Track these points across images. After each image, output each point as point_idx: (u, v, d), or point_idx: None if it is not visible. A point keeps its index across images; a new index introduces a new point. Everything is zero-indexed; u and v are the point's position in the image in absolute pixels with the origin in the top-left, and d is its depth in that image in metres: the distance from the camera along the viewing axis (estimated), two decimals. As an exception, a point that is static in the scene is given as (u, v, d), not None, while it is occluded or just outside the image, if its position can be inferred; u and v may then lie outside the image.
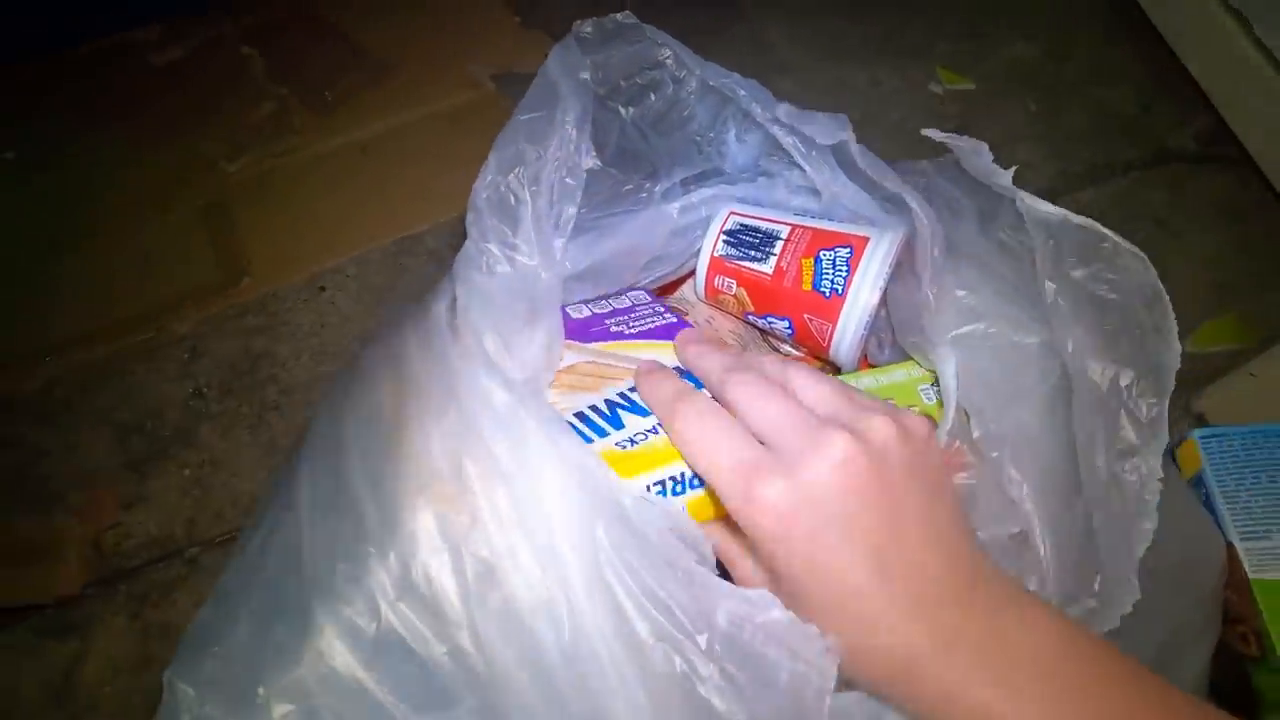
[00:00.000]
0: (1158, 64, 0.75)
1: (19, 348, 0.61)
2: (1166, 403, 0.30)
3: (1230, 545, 0.37)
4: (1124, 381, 0.30)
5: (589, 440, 0.29)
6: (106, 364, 0.60)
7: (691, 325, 0.40)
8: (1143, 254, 0.31)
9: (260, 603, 0.24)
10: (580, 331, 0.38)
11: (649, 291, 0.44)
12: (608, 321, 0.39)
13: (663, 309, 0.41)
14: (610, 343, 0.37)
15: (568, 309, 0.39)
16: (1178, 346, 0.30)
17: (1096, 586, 0.28)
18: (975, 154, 0.33)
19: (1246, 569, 0.37)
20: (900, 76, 0.77)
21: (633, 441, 0.30)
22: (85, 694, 0.48)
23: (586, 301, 0.41)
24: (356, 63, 0.78)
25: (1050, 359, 0.33)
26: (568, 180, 0.30)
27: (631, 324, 0.39)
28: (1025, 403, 0.32)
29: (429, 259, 0.66)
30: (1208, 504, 0.39)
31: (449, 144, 0.73)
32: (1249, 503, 0.38)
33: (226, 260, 0.66)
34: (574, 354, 0.35)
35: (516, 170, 0.30)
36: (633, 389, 0.33)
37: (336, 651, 0.22)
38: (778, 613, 0.22)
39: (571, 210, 0.31)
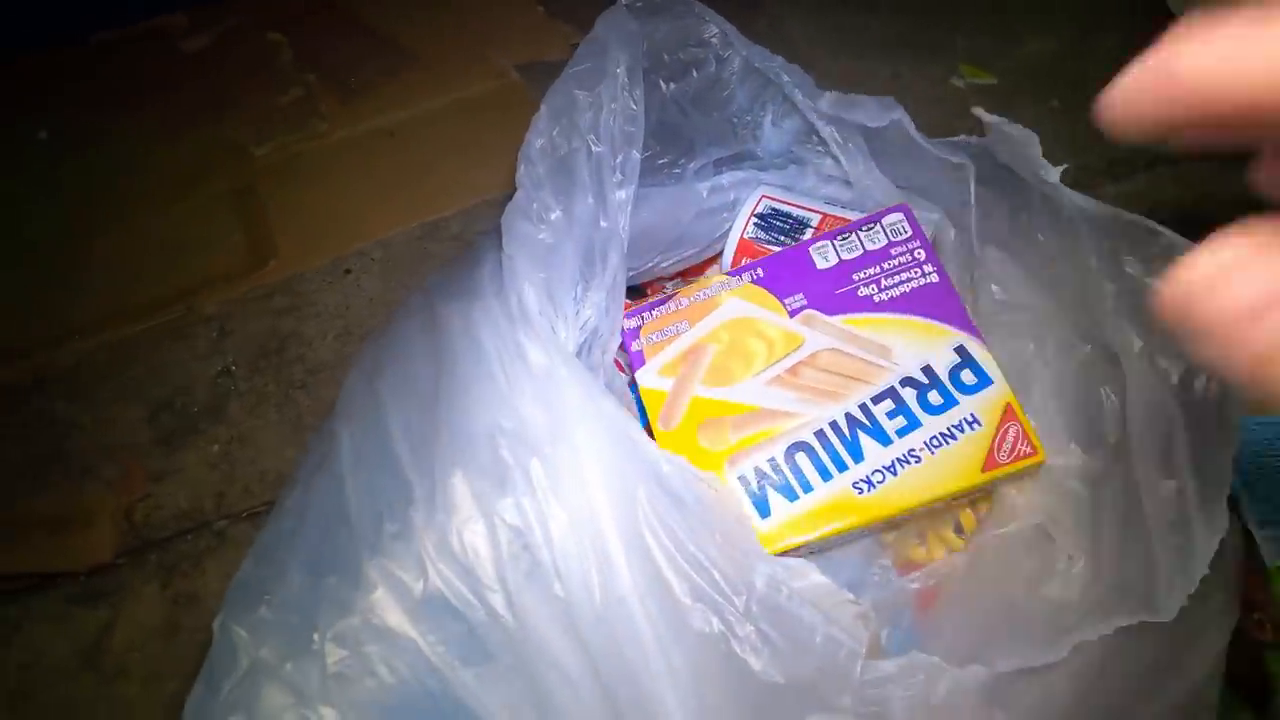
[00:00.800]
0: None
1: (52, 326, 0.62)
2: (1238, 401, 0.29)
3: (1248, 533, 0.38)
4: (1196, 378, 0.28)
5: (827, 478, 0.29)
6: (136, 342, 0.61)
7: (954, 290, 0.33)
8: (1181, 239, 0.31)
9: (310, 555, 0.25)
10: (825, 293, 0.32)
11: (908, 215, 0.37)
12: (856, 276, 0.33)
13: (921, 250, 0.34)
14: (860, 316, 0.32)
15: (810, 248, 0.35)
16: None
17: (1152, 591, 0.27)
18: (1025, 144, 0.33)
19: (1265, 557, 0.37)
20: (921, 71, 0.77)
21: (870, 483, 0.30)
22: (114, 660, 0.49)
23: (832, 237, 0.35)
24: (382, 51, 0.79)
25: (1081, 347, 0.33)
26: (627, 127, 0.31)
27: (885, 281, 0.33)
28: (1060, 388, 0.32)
29: (454, 244, 0.67)
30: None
31: (474, 132, 0.74)
32: (1267, 491, 0.38)
33: (254, 242, 0.67)
34: (819, 334, 0.31)
35: (570, 117, 0.31)
36: (877, 397, 0.30)
37: (387, 605, 0.23)
38: (815, 577, 0.23)
39: (636, 155, 0.32)
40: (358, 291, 0.64)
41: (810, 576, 0.22)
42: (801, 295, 0.32)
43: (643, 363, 0.32)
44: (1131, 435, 0.30)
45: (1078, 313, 0.33)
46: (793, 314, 0.32)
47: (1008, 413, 0.31)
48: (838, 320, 0.32)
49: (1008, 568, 0.30)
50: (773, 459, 0.31)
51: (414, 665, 0.23)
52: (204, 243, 0.67)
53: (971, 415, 0.31)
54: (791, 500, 0.30)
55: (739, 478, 0.31)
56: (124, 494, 0.55)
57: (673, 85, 0.41)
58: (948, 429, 0.31)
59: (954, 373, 0.31)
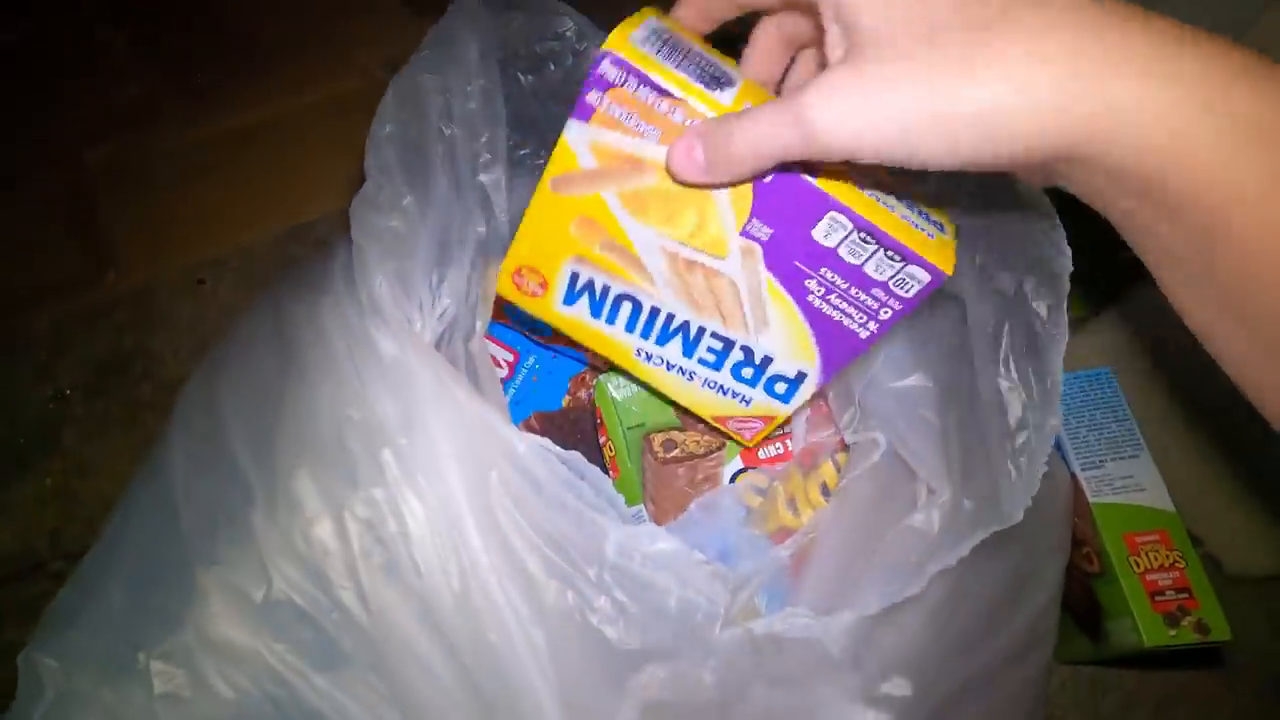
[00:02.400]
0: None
1: None
2: (1064, 304, 0.31)
3: (1073, 475, 0.42)
4: (1027, 287, 0.30)
5: None
6: (-53, 368, 0.54)
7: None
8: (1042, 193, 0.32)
9: (133, 572, 0.22)
10: (787, 253, 0.28)
11: None
12: (823, 272, 0.29)
13: (891, 311, 0.30)
14: (784, 292, 0.29)
15: (829, 214, 0.27)
16: (1069, 254, 0.30)
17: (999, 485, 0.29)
18: None
19: (1088, 495, 0.41)
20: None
21: (647, 356, 0.32)
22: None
23: (860, 229, 0.27)
24: (232, 48, 0.74)
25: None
26: (485, 108, 0.31)
27: (834, 299, 0.30)
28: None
29: (319, 248, 0.64)
30: (1054, 441, 0.43)
31: (338, 132, 0.70)
32: (1087, 437, 0.43)
33: (90, 253, 0.61)
34: (738, 267, 0.29)
35: (418, 102, 0.30)
36: (718, 335, 0.31)
37: (224, 615, 0.21)
38: (665, 542, 0.23)
39: (501, 133, 0.31)
40: (213, 302, 0.60)
41: (661, 541, 0.23)
42: (769, 231, 0.28)
43: (585, 116, 0.27)
44: (973, 351, 0.32)
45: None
46: (744, 233, 0.28)
47: (769, 423, 0.36)
48: (765, 275, 0.29)
49: (871, 510, 0.32)
50: (607, 286, 0.31)
51: (256, 677, 0.21)
52: (31, 256, 0.60)
53: (745, 398, 0.34)
54: (593, 318, 0.32)
55: (571, 272, 0.31)
56: (-65, 541, 0.49)
57: (530, 78, 0.41)
58: (728, 389, 0.34)
59: (774, 379, 0.33)
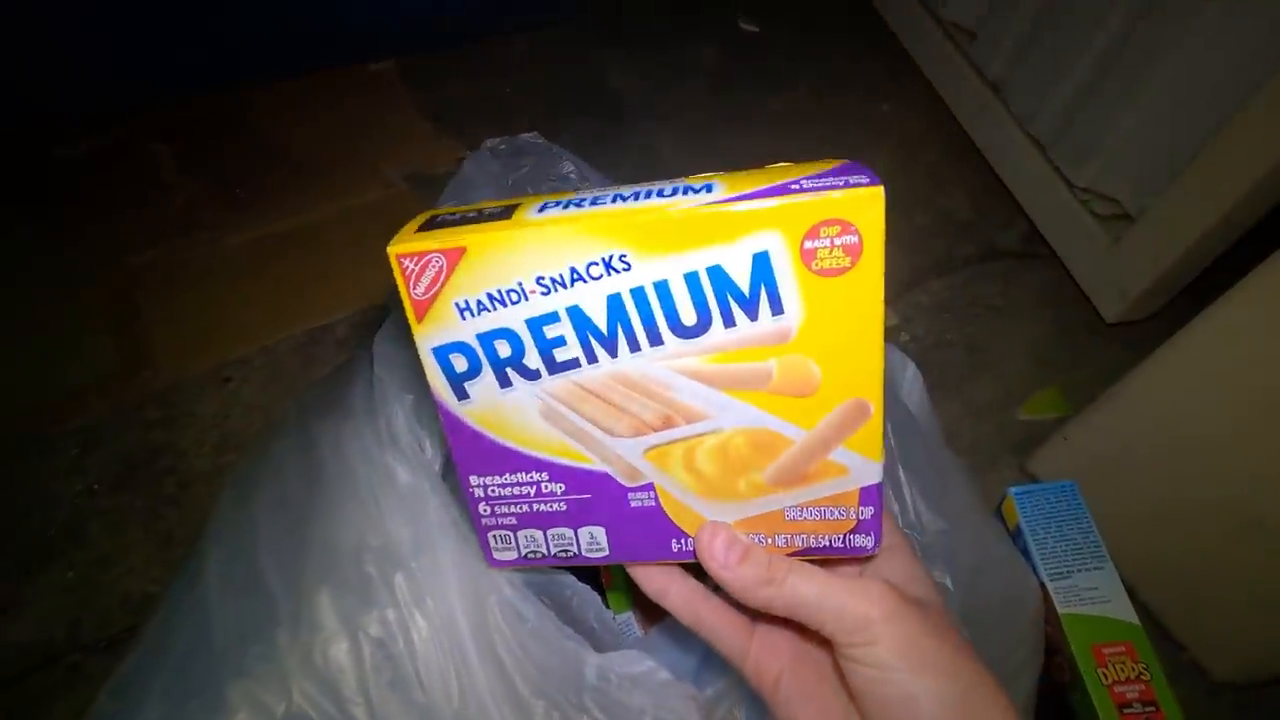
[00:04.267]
0: (985, 178, 0.90)
1: (-114, 447, 0.58)
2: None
3: (1043, 585, 0.44)
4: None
5: None
6: (-13, 462, 0.58)
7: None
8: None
9: (170, 682, 0.25)
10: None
11: None
12: None
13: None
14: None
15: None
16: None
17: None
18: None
19: (1056, 605, 0.43)
20: (776, 183, 0.88)
21: None
22: (-62, 825, 0.45)
23: None
24: (270, 161, 0.82)
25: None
26: None
27: None
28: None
29: (339, 349, 0.69)
30: (1024, 551, 0.46)
31: (362, 239, 0.77)
32: (1055, 548, 0.45)
33: (127, 351, 0.66)
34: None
35: None
36: None
37: (246, 727, 0.24)
38: (641, 665, 0.26)
39: None
40: (237, 400, 0.64)
41: (638, 664, 0.25)
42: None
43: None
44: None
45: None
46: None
47: None
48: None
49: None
50: None
51: (275, 787, 0.24)
52: (73, 353, 0.65)
53: None
54: None
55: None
56: (-40, 631, 0.51)
57: (537, 215, 0.46)
58: None
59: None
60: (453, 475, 0.34)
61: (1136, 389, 0.55)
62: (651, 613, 0.41)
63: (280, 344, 0.68)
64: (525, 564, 0.26)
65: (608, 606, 0.40)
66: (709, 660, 0.37)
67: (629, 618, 0.41)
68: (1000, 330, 0.79)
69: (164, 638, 0.28)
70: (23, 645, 0.51)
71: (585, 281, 0.23)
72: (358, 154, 0.84)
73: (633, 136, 0.88)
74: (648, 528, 0.25)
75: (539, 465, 0.25)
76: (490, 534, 0.26)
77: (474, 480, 0.25)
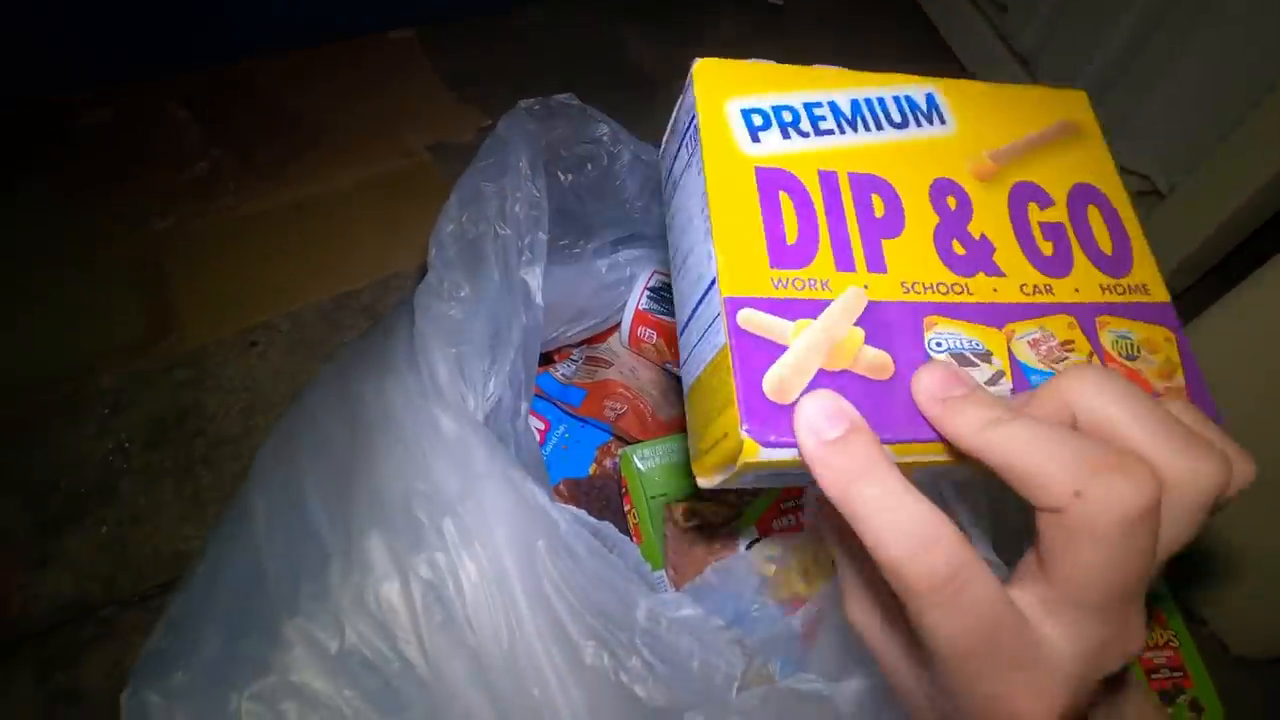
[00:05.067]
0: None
1: (-79, 404, 0.58)
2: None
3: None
4: None
5: None
6: (21, 421, 0.58)
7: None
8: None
9: (225, 620, 0.26)
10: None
11: None
12: None
13: None
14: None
15: None
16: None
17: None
18: None
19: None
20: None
21: None
22: (-20, 769, 0.46)
23: None
24: (292, 128, 0.81)
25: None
26: (532, 212, 0.35)
27: None
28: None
29: (363, 315, 0.69)
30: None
31: (385, 207, 0.76)
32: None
33: (154, 315, 0.66)
34: None
35: (477, 205, 0.34)
36: None
37: (304, 663, 0.24)
38: (689, 609, 0.26)
39: (542, 236, 0.35)
40: (264, 363, 0.64)
41: (685, 608, 0.25)
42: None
43: None
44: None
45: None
46: None
47: None
48: None
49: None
50: None
51: (330, 720, 0.24)
52: (100, 316, 0.65)
53: None
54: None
55: None
56: (-2, 584, 0.52)
57: (570, 177, 0.46)
58: None
59: None
60: (495, 424, 0.34)
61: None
62: (683, 572, 0.42)
63: (305, 309, 0.68)
64: None
65: (643, 563, 0.40)
66: (741, 618, 0.37)
67: (661, 576, 0.42)
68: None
69: (214, 579, 0.28)
70: (58, 599, 0.52)
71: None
72: (379, 122, 0.83)
73: (651, 107, 0.87)
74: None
75: None
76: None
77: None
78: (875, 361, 0.21)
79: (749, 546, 0.43)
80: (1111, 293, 0.24)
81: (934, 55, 0.96)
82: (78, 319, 0.65)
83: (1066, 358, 0.23)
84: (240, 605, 0.26)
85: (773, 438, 0.19)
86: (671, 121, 0.28)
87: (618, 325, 0.51)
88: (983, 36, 0.88)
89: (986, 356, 0.22)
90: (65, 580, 0.52)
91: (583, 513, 0.30)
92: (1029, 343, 0.23)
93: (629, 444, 0.45)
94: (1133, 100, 0.71)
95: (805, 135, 0.25)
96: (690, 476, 0.42)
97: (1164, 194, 0.71)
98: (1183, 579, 0.56)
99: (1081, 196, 0.26)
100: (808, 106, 0.26)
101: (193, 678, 0.24)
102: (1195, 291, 0.74)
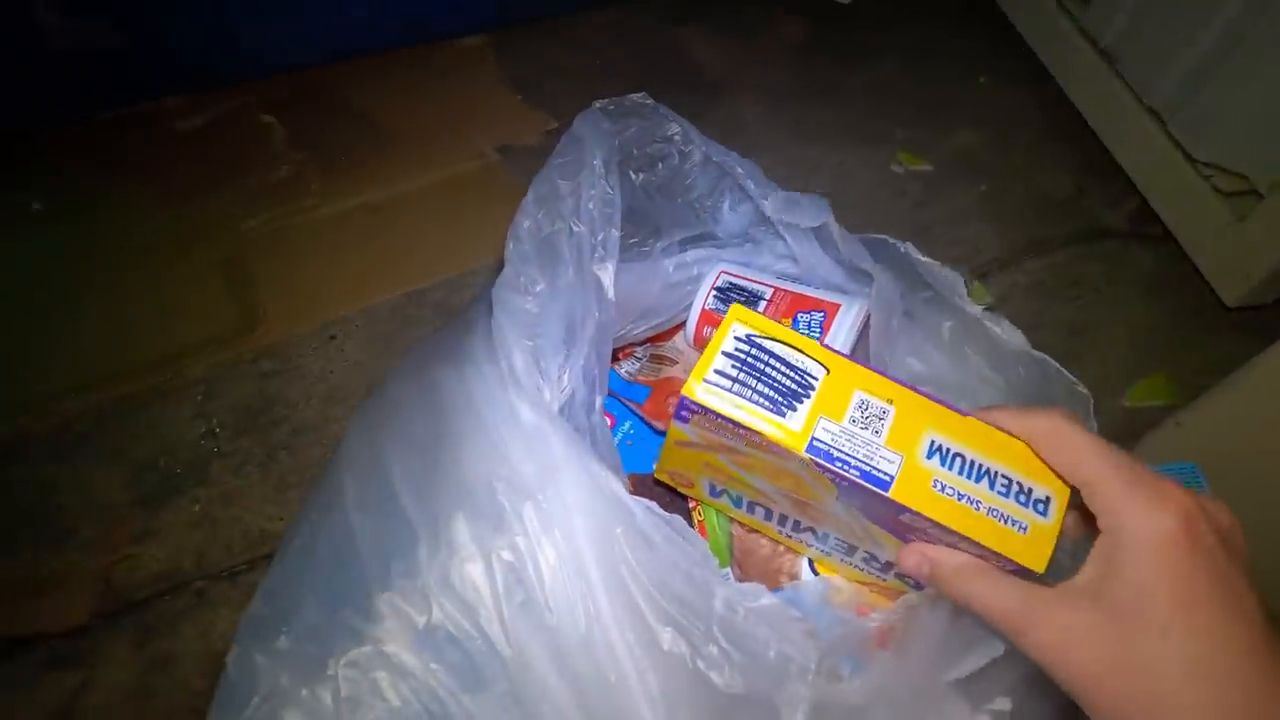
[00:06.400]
0: (1089, 154, 0.85)
1: (37, 388, 0.64)
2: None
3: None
4: None
5: None
6: (122, 404, 0.63)
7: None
8: (1085, 390, 0.36)
9: (323, 591, 0.27)
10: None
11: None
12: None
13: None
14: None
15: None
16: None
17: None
18: (953, 285, 0.38)
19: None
20: (865, 158, 0.86)
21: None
22: (86, 725, 0.49)
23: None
24: (369, 133, 0.85)
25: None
26: (605, 210, 0.35)
27: None
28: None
29: (434, 311, 0.71)
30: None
31: (455, 208, 0.79)
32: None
33: (242, 309, 0.70)
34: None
35: (553, 202, 0.35)
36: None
37: (395, 635, 0.26)
38: (767, 599, 0.26)
39: (615, 233, 0.36)
40: (342, 356, 0.67)
41: (763, 598, 0.26)
42: (859, 506, 0.29)
43: (683, 421, 0.30)
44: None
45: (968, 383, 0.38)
46: (839, 499, 0.30)
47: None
48: (867, 523, 0.30)
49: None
50: (740, 495, 0.35)
51: (418, 691, 0.25)
52: (193, 309, 0.69)
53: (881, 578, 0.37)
54: (735, 507, 0.37)
55: (708, 482, 0.36)
56: (102, 555, 0.56)
57: (641, 175, 0.47)
58: (861, 569, 0.37)
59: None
60: (570, 416, 0.35)
61: (1265, 373, 0.51)
62: (748, 571, 0.42)
63: (380, 305, 0.71)
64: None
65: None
66: (810, 615, 0.37)
67: (727, 573, 0.42)
68: (1104, 312, 0.75)
69: (308, 554, 0.30)
70: (155, 572, 0.56)
71: None
72: (451, 126, 0.86)
73: (716, 108, 0.88)
74: None
75: None
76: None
77: None
78: None
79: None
80: None
81: (1008, 51, 0.93)
82: (174, 312, 0.69)
83: None
84: (335, 577, 0.28)
85: None
86: None
87: (683, 324, 0.52)
88: (1063, 32, 0.85)
89: None
90: (161, 554, 0.56)
91: (655, 504, 0.31)
92: None
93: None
94: (1228, 95, 0.68)
95: None
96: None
97: (1263, 194, 0.67)
98: (1276, 606, 0.52)
99: None
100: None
101: (294, 642, 0.26)
102: (1295, 298, 0.70)
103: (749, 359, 0.29)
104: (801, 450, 0.27)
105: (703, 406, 0.28)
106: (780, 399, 0.28)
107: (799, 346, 0.29)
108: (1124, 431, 0.66)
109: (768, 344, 0.29)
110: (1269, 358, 0.50)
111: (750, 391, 0.28)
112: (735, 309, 0.30)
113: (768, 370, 0.28)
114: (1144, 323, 0.75)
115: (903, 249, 0.42)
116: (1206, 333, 0.74)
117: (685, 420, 0.30)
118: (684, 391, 0.28)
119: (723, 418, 0.28)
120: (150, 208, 0.76)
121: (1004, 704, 0.27)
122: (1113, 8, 0.78)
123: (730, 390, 0.28)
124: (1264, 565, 0.51)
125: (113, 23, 0.75)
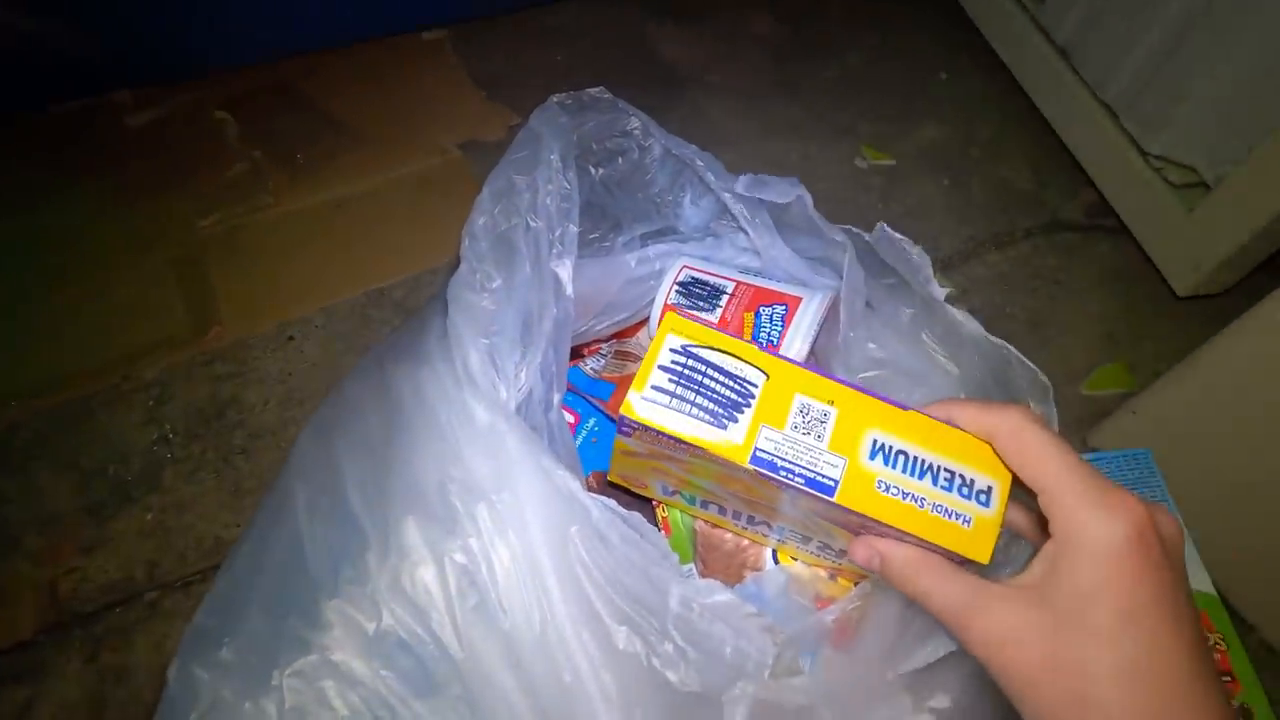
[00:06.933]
0: (1047, 148, 0.87)
1: (-21, 394, 0.61)
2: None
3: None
4: None
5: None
6: (71, 409, 0.61)
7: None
8: (1044, 379, 0.36)
9: (268, 600, 0.26)
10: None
11: None
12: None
13: None
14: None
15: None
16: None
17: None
18: (920, 266, 0.39)
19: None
20: (829, 152, 0.86)
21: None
22: (33, 744, 0.48)
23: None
24: (328, 130, 0.83)
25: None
26: (563, 205, 0.35)
27: None
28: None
29: (395, 310, 0.70)
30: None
31: (416, 205, 0.78)
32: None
33: (196, 310, 0.68)
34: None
35: (509, 198, 0.34)
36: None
37: (343, 643, 0.25)
38: (723, 595, 0.26)
39: (573, 229, 0.35)
40: (300, 357, 0.66)
41: (718, 595, 0.25)
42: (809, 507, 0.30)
43: (627, 435, 0.30)
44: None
45: (926, 367, 0.39)
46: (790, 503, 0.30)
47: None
48: (820, 521, 0.31)
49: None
50: (693, 496, 0.35)
51: (367, 699, 0.25)
52: (145, 310, 0.67)
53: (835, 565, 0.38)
54: (689, 504, 0.37)
55: (660, 484, 0.36)
56: (49, 567, 0.54)
57: (601, 170, 0.47)
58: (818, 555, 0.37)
59: None
60: (527, 414, 0.34)
61: (1212, 361, 0.53)
62: (711, 567, 0.42)
63: (339, 305, 0.69)
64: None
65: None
66: (773, 612, 0.37)
67: (690, 569, 0.42)
68: (1063, 303, 0.76)
69: (256, 562, 0.29)
70: (105, 583, 0.54)
71: None
72: (412, 122, 0.84)
73: (681, 104, 0.87)
74: None
75: None
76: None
77: None
78: None
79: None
80: None
81: (968, 48, 0.95)
82: (126, 315, 0.67)
83: None
84: (282, 586, 0.27)
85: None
86: None
87: (646, 320, 0.51)
88: (1021, 29, 0.87)
89: None
90: (112, 564, 0.54)
91: (613, 502, 0.31)
92: None
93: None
94: (1178, 89, 0.69)
95: None
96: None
97: (1210, 186, 0.68)
98: (1232, 583, 0.54)
99: None
100: None
101: (237, 654, 0.25)
102: (1244, 287, 0.72)
103: (686, 370, 0.28)
104: (745, 462, 0.27)
105: (642, 424, 0.28)
106: (721, 410, 0.27)
107: (736, 353, 0.28)
108: (1083, 418, 0.67)
109: (704, 353, 0.28)
110: (1215, 346, 0.51)
111: (689, 405, 0.28)
112: (669, 318, 0.29)
113: (706, 381, 0.28)
114: (1101, 313, 0.76)
115: (868, 232, 0.42)
116: (1159, 323, 0.75)
117: (628, 435, 0.29)
118: (622, 410, 0.28)
119: (664, 434, 0.28)
120: (100, 206, 0.74)
121: (943, 701, 0.27)
122: (1068, 5, 0.79)
123: (669, 406, 0.28)
124: (1211, 539, 0.52)
125: (61, 16, 0.72)
